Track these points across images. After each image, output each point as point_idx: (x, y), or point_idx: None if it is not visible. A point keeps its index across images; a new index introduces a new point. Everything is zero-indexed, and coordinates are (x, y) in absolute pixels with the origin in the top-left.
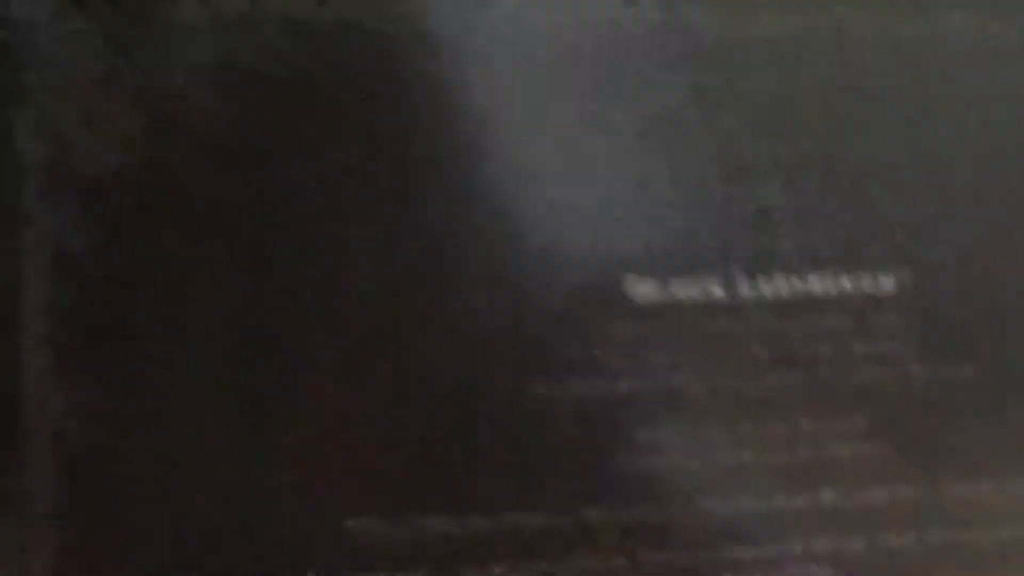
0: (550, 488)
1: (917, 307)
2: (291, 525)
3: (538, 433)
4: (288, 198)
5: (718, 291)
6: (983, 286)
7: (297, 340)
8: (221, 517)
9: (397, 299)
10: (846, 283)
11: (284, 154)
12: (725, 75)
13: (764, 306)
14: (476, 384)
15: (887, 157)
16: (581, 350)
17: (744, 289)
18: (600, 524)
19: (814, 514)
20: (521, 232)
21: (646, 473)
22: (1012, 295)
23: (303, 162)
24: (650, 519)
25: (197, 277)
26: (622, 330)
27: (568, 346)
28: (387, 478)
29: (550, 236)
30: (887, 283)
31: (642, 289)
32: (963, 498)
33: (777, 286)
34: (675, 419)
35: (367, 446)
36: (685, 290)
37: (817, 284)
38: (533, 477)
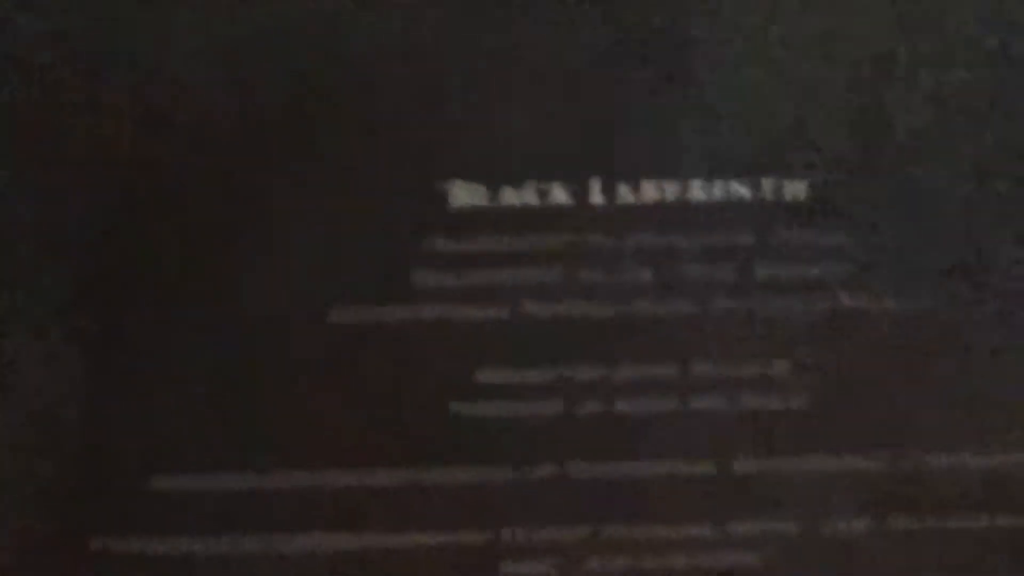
0: (376, 441)
1: (840, 218)
2: (95, 483)
3: (352, 375)
4: None
5: (563, 197)
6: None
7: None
8: (27, 478)
9: (184, 219)
10: (741, 189)
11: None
12: None
13: (626, 216)
14: (273, 319)
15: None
16: (394, 269)
17: (597, 195)
18: (442, 486)
19: (728, 487)
20: (316, 132)
21: (493, 425)
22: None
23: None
24: (506, 483)
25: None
26: (443, 245)
27: (378, 265)
28: (191, 432)
29: (353, 135)
30: (797, 188)
31: (466, 196)
32: (926, 473)
33: (644, 192)
34: (523, 355)
35: (168, 399)
36: (521, 196)
37: (700, 191)
38: (354, 428)
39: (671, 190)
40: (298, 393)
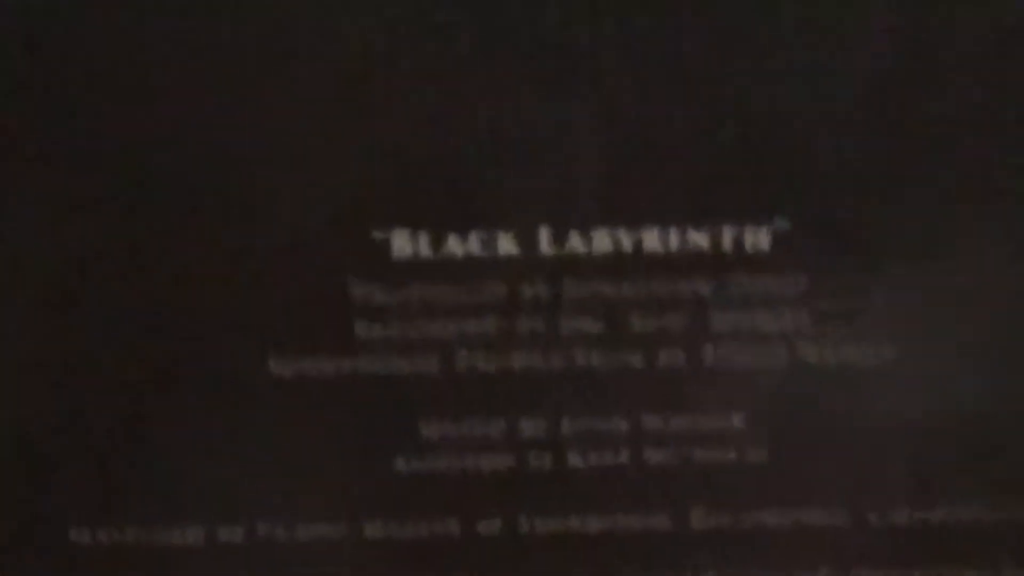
0: (311, 494)
1: (803, 267)
2: (13, 535)
3: (293, 427)
4: None
5: (510, 247)
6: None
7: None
8: None
9: (108, 267)
10: (699, 238)
11: None
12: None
13: (576, 266)
14: (207, 368)
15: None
16: (334, 321)
17: (546, 244)
18: (387, 541)
19: (685, 542)
20: (253, 179)
21: (439, 478)
22: (926, 244)
23: None
24: (453, 539)
25: None
26: (385, 295)
27: (317, 316)
28: (113, 483)
29: (290, 183)
30: (759, 237)
31: (408, 245)
32: (889, 527)
33: (596, 242)
34: (470, 408)
35: (92, 449)
36: (464, 246)
37: (655, 240)
38: (290, 481)
39: (625, 240)
40: (236, 446)
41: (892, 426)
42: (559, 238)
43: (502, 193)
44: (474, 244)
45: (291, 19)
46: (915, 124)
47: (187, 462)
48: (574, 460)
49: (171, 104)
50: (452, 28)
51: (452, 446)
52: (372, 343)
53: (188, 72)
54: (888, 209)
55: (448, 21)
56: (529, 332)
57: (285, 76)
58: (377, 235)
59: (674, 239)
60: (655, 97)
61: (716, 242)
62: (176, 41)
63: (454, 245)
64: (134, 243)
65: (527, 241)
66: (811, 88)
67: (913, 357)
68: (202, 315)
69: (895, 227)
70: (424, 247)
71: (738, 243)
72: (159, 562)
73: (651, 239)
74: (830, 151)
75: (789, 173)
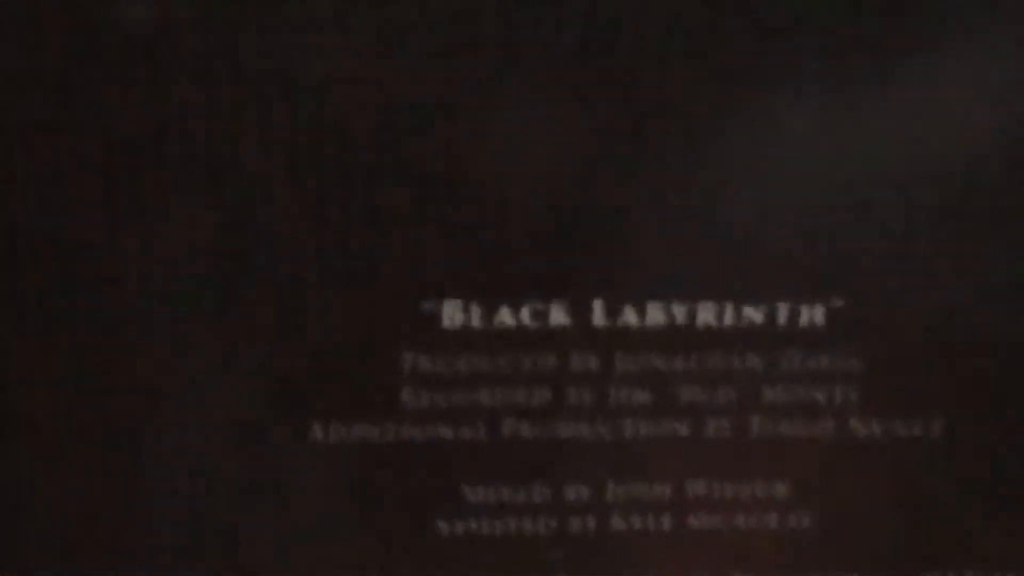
0: (351, 557)
1: (854, 343)
2: None
3: (330, 488)
4: None
5: (562, 318)
6: (940, 317)
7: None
8: None
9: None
10: (754, 314)
11: None
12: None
13: (629, 339)
14: (249, 432)
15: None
16: (380, 388)
17: (600, 317)
18: None
19: None
20: (304, 246)
21: (476, 540)
22: (978, 326)
23: None
24: None
25: None
26: (433, 364)
27: (362, 383)
28: (148, 550)
29: (341, 251)
30: (815, 314)
31: (459, 316)
32: None
33: (650, 315)
34: (511, 474)
35: (123, 511)
36: (518, 317)
37: (710, 315)
38: (329, 543)
39: (679, 314)
40: (276, 510)
41: (935, 495)
42: (613, 311)
43: (556, 265)
44: (526, 316)
45: (350, 103)
46: (972, 204)
47: (224, 525)
48: (617, 524)
49: (230, 174)
50: (507, 102)
51: (495, 510)
52: (418, 410)
53: (242, 145)
54: (943, 287)
55: (503, 94)
56: (577, 402)
57: (340, 147)
58: (427, 306)
59: (729, 314)
60: (712, 173)
61: (771, 318)
62: (224, 126)
63: (505, 316)
64: (179, 308)
65: (580, 313)
66: (866, 168)
67: (962, 431)
68: (247, 382)
69: (948, 304)
70: (475, 318)
71: (793, 319)
72: None
73: (706, 314)
74: (885, 230)
75: (846, 252)
